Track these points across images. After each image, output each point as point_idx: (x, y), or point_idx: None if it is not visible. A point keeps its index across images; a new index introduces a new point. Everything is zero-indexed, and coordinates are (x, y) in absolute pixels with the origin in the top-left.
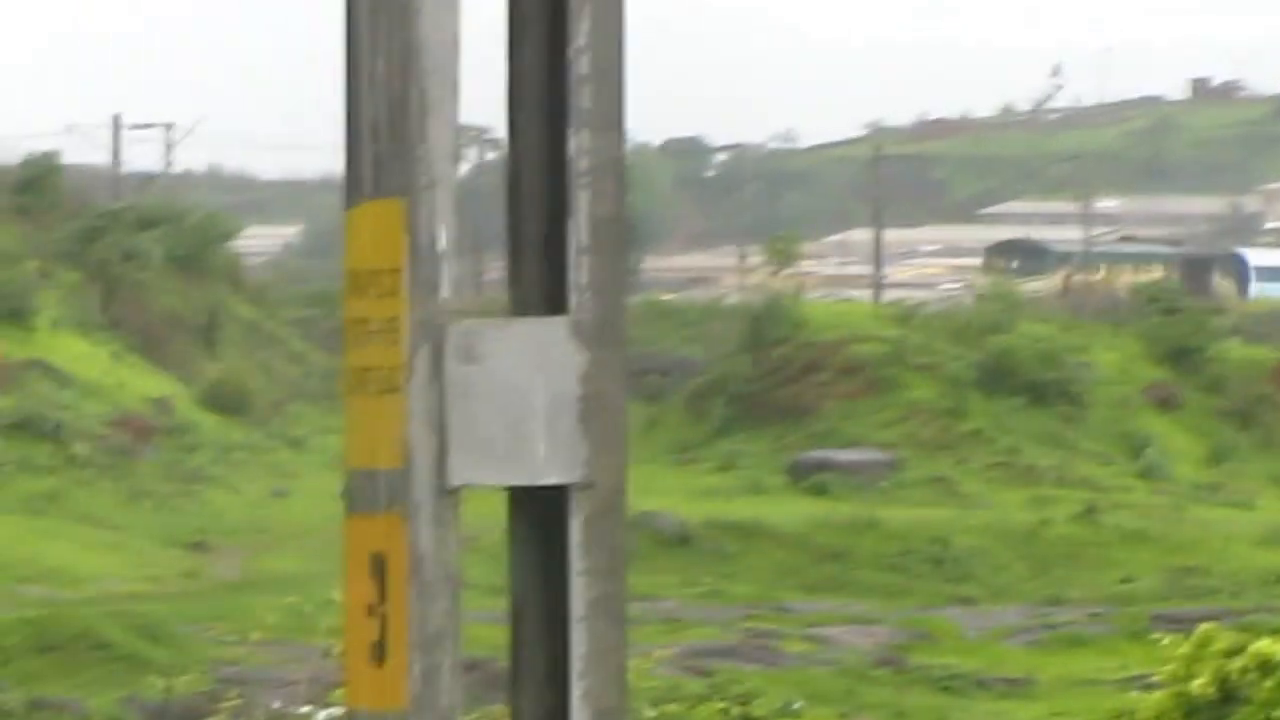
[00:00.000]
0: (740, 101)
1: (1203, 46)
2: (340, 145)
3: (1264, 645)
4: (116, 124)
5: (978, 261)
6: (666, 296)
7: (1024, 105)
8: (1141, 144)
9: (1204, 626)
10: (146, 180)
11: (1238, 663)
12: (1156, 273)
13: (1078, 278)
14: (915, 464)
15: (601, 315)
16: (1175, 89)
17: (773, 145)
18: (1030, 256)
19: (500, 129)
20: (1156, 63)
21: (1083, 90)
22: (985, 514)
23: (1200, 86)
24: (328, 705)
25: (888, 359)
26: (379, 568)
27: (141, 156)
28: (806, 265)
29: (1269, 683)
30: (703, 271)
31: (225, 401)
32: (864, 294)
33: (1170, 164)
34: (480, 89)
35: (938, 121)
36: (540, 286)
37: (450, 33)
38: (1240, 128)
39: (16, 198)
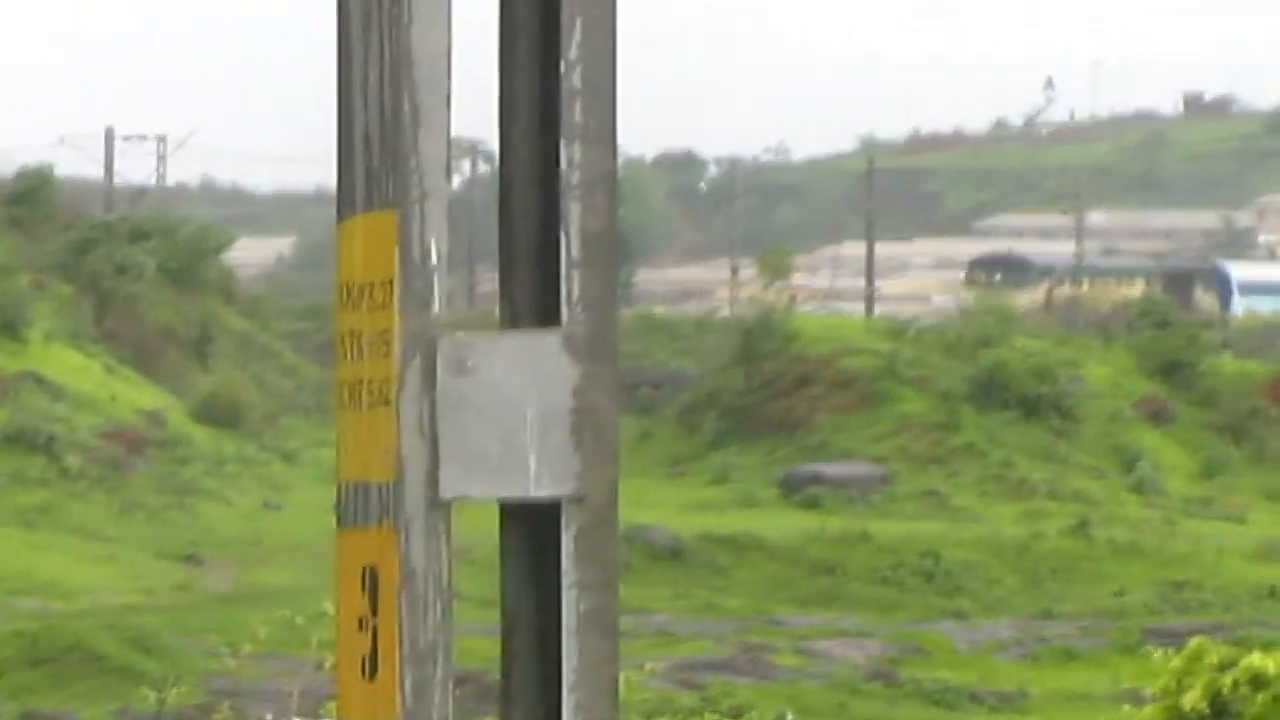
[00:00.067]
0: (733, 115)
1: (1197, 61)
2: (333, 158)
3: (1256, 660)
4: (109, 136)
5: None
6: (659, 310)
7: (1017, 120)
8: (1134, 158)
9: (1196, 641)
10: (139, 192)
11: (1229, 677)
12: (1139, 287)
13: (1060, 291)
14: (907, 477)
15: (593, 328)
16: (1169, 103)
17: (765, 159)
18: (1013, 270)
19: (492, 142)
20: (1150, 77)
21: (1076, 104)
22: (977, 527)
23: (1194, 101)
24: (320, 718)
25: (880, 373)
26: (371, 581)
27: (135, 168)
28: (799, 279)
29: (1261, 697)
30: (695, 285)
31: (218, 414)
32: (856, 308)
33: (1163, 178)
34: (473, 102)
35: (931, 135)
36: (532, 299)
37: (442, 46)
38: (1233, 142)
39: (10, 210)
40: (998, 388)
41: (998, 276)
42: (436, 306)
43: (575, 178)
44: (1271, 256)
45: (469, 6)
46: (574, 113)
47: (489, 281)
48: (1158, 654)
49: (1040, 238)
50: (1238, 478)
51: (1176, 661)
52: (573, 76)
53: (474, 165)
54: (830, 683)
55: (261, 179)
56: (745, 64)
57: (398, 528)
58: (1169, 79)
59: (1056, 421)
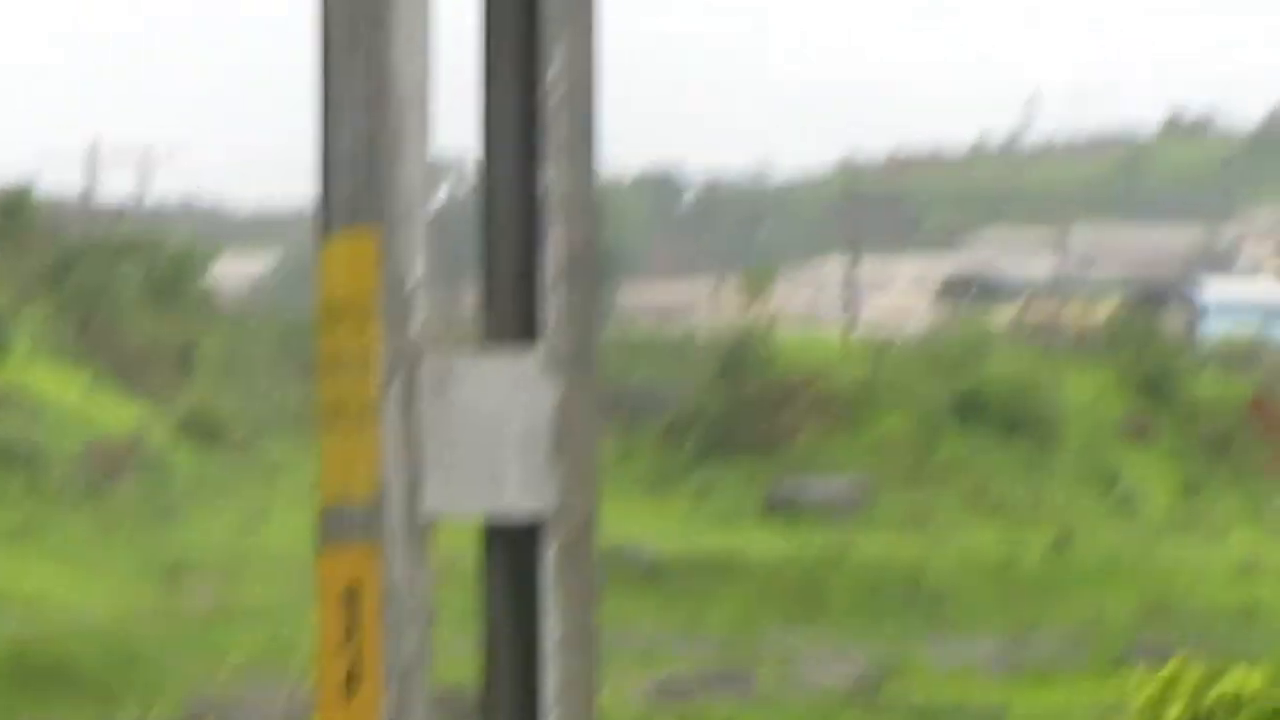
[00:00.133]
0: (714, 135)
1: (1178, 81)
2: (315, 176)
3: (1236, 678)
4: (93, 151)
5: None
6: (640, 328)
7: (998, 139)
8: (1116, 178)
9: (1176, 659)
10: (122, 208)
11: (1210, 696)
12: (1111, 305)
13: (1031, 309)
14: (888, 496)
15: (574, 346)
16: (1150, 123)
17: (746, 178)
18: (984, 289)
19: (474, 160)
20: (1131, 97)
21: (1057, 124)
22: (958, 545)
23: (1175, 120)
24: None
25: (861, 391)
26: (352, 599)
27: (118, 184)
28: (780, 297)
29: (1241, 717)
30: (676, 303)
31: (201, 431)
32: (838, 326)
33: (1144, 198)
34: (454, 120)
35: (911, 154)
36: (513, 318)
37: (423, 65)
38: (1215, 162)
39: None
40: (978, 406)
41: (969, 295)
42: (418, 325)
43: (556, 196)
44: (1254, 274)
45: (449, 26)
46: (555, 131)
47: (470, 300)
48: (1138, 672)
49: (1021, 257)
50: (1219, 497)
51: (1157, 680)
52: (554, 95)
53: (455, 183)
54: (812, 700)
55: (246, 195)
56: (726, 83)
57: (379, 546)
58: (1150, 99)
59: (1037, 440)
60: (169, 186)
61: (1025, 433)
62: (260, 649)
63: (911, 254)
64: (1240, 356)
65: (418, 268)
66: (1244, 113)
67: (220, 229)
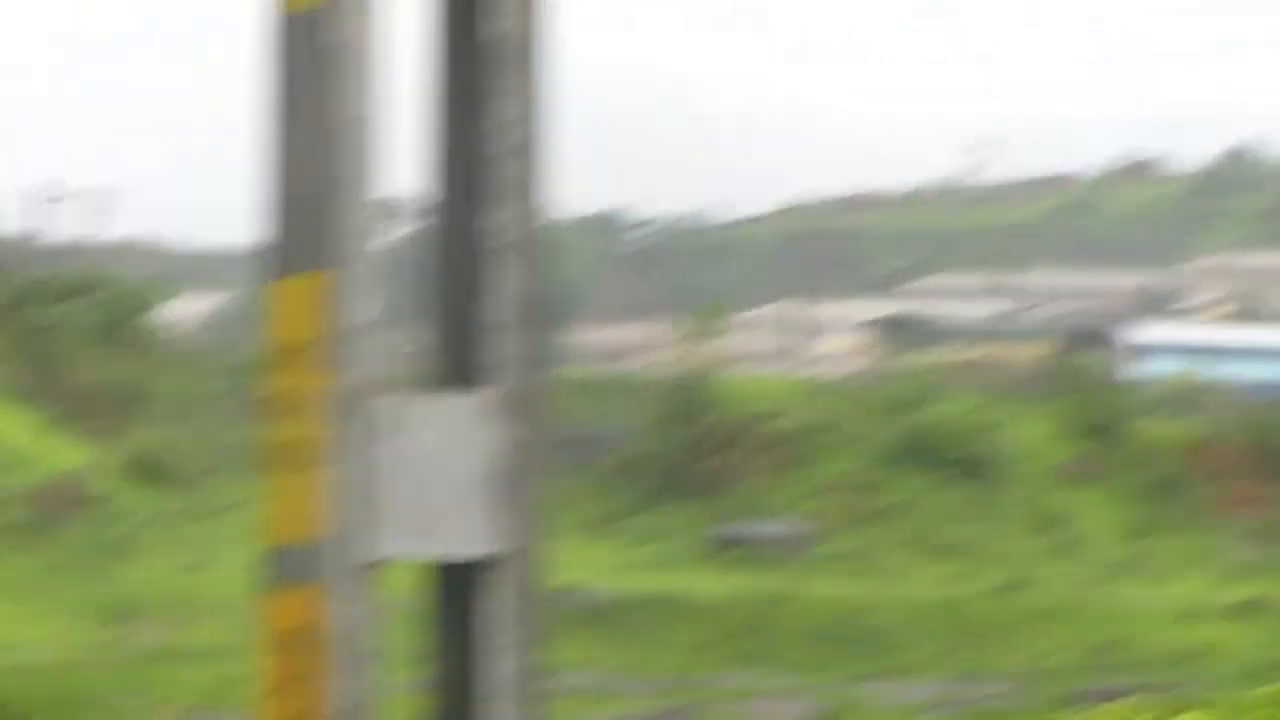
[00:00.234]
0: (663, 175)
1: (1124, 123)
2: (263, 219)
3: (1192, 718)
4: (44, 191)
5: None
6: (587, 369)
7: (946, 180)
8: (1062, 219)
9: (1128, 701)
10: (72, 247)
11: None
12: (1045, 347)
13: (970, 351)
14: (835, 537)
15: (522, 389)
16: (1096, 165)
17: (695, 219)
18: (918, 331)
19: (423, 202)
20: (1078, 138)
21: (1007, 165)
22: (904, 588)
23: (1121, 162)
24: None
25: (808, 432)
26: (298, 641)
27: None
28: (728, 339)
29: None
30: (624, 344)
31: (149, 471)
32: (785, 368)
33: (1090, 239)
34: (403, 163)
35: (860, 196)
36: (462, 360)
37: (370, 110)
38: (1160, 204)
39: None
40: (924, 448)
41: (908, 337)
42: (365, 367)
43: (504, 239)
44: (1199, 316)
45: (396, 70)
46: (503, 174)
47: (418, 342)
48: (1084, 716)
49: (966, 298)
50: (1164, 539)
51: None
52: (502, 139)
53: (403, 225)
54: None
55: (196, 235)
56: (676, 125)
57: (326, 588)
58: (1097, 140)
59: (983, 482)
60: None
61: (971, 475)
62: (207, 689)
63: (858, 295)
64: (1183, 398)
65: (365, 311)
66: (1193, 154)
67: (169, 269)
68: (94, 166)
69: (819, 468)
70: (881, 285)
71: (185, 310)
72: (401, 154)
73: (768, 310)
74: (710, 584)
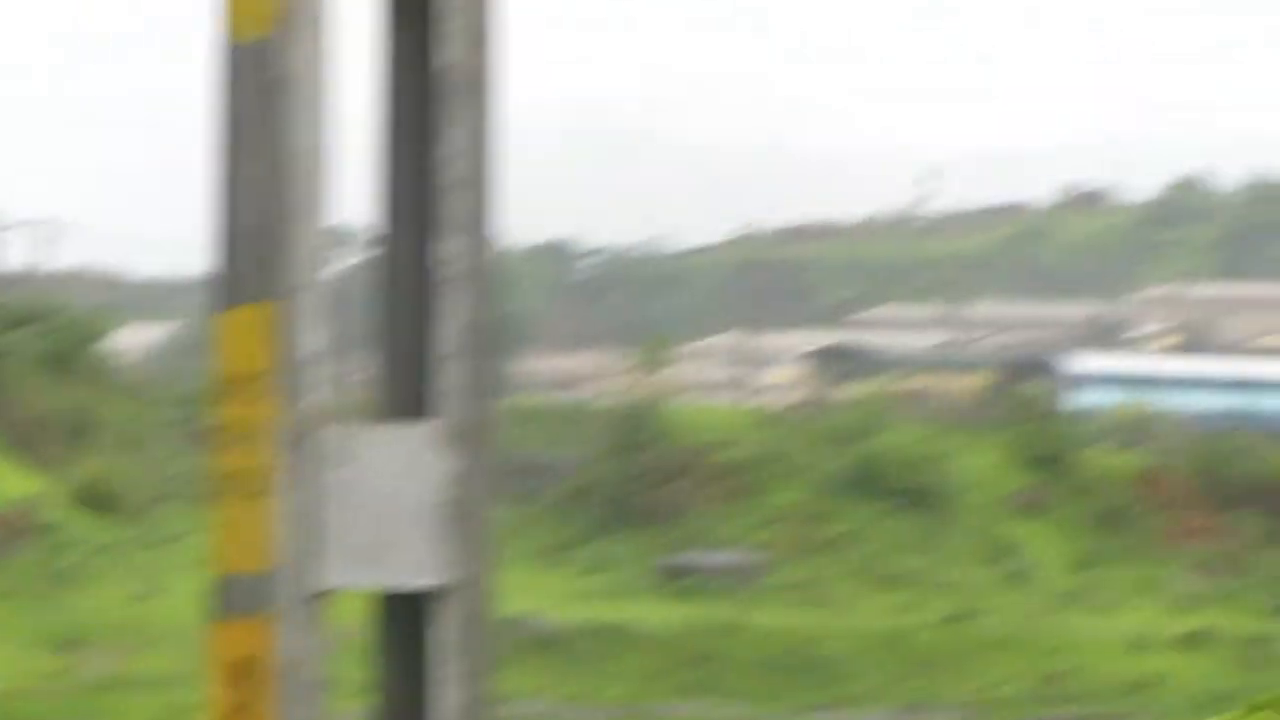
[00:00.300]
0: (612, 205)
1: (1073, 153)
2: (213, 250)
3: None
4: None
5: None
6: (537, 398)
7: (895, 211)
8: (1011, 249)
9: None
10: (22, 276)
11: None
12: (985, 378)
13: (910, 381)
14: (784, 567)
15: (471, 419)
16: (1046, 195)
17: (644, 248)
18: (856, 362)
19: (372, 232)
20: (1028, 168)
21: (954, 195)
22: (853, 618)
23: (1070, 192)
24: None
25: (757, 462)
26: (246, 671)
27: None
28: (677, 368)
29: None
30: (574, 373)
31: (97, 501)
32: (733, 398)
33: (1040, 270)
34: (352, 193)
35: (808, 226)
36: (411, 390)
37: (319, 140)
38: (1110, 234)
39: None
40: (872, 478)
41: (842, 368)
42: (314, 397)
43: (451, 270)
44: (1144, 347)
45: (346, 100)
46: (452, 205)
47: (367, 372)
48: None
49: (913, 329)
50: (1112, 569)
51: None
52: (451, 169)
53: (352, 255)
54: None
55: (144, 265)
56: (624, 154)
57: (274, 618)
58: (1046, 170)
59: (930, 512)
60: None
61: (919, 505)
62: (156, 717)
63: (807, 326)
64: (1129, 429)
65: (314, 341)
66: (1143, 184)
67: (118, 298)
68: (41, 196)
69: (768, 498)
70: (830, 316)
71: (134, 340)
72: (351, 184)
73: (717, 340)
74: (659, 613)
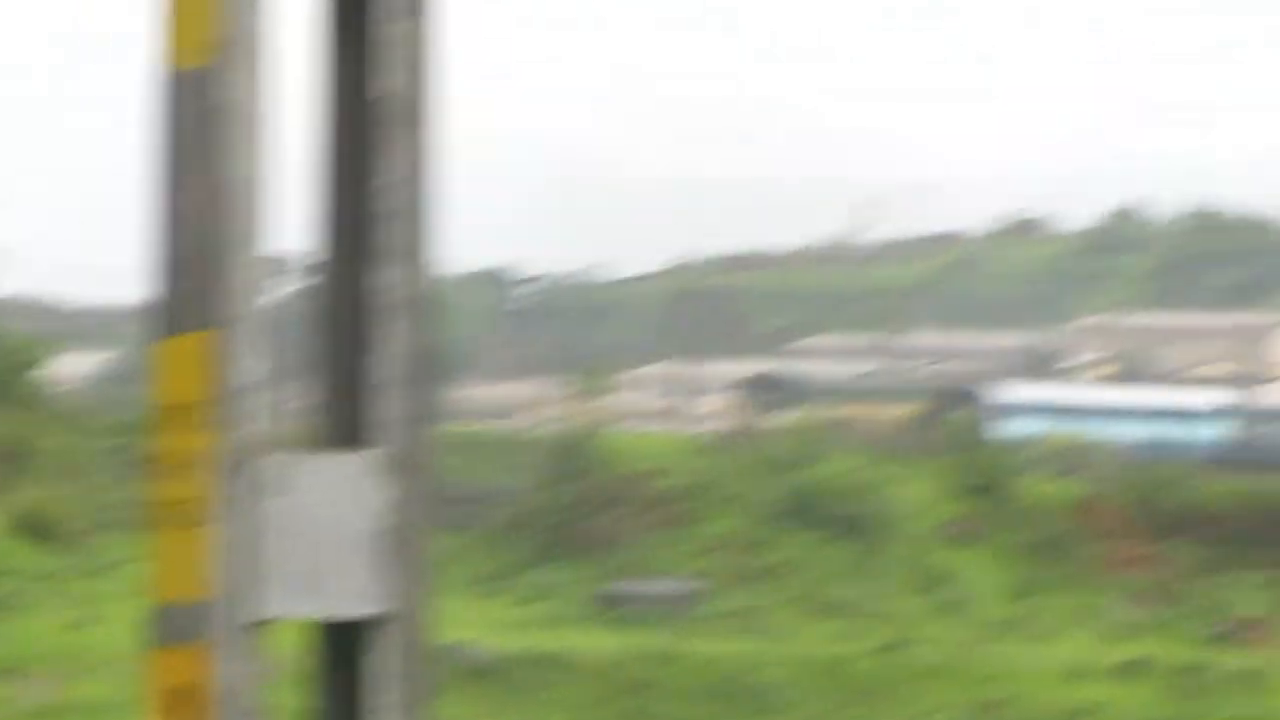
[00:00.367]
0: (548, 233)
1: (1009, 182)
2: (151, 278)
3: None
4: None
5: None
6: (475, 427)
7: (831, 239)
8: (948, 278)
9: None
10: None
11: None
12: (914, 406)
13: (838, 410)
14: (721, 596)
15: (407, 448)
16: (983, 223)
17: (581, 277)
18: (784, 390)
19: (311, 261)
20: (963, 197)
21: (892, 224)
22: (789, 647)
23: (1007, 221)
24: None
25: (694, 491)
26: (185, 699)
27: None
28: (613, 397)
29: None
30: (511, 402)
31: (34, 529)
32: (670, 426)
33: (976, 299)
34: (290, 221)
35: (745, 255)
36: (348, 419)
37: (257, 169)
38: (1046, 263)
39: None
40: (808, 507)
41: (769, 396)
42: (253, 426)
43: (390, 298)
44: (1080, 377)
45: (285, 128)
46: (389, 234)
47: (306, 400)
48: None
49: (848, 358)
50: (1048, 598)
51: None
52: (387, 198)
53: (290, 284)
54: None
55: (82, 293)
56: (561, 183)
57: (212, 647)
58: (982, 199)
59: (866, 540)
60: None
61: (855, 534)
62: None
63: (742, 355)
64: (1063, 458)
65: (252, 370)
66: (1078, 215)
67: (55, 326)
68: None
69: (705, 526)
70: (766, 345)
71: (72, 368)
72: (290, 212)
73: (654, 369)
74: (597, 642)
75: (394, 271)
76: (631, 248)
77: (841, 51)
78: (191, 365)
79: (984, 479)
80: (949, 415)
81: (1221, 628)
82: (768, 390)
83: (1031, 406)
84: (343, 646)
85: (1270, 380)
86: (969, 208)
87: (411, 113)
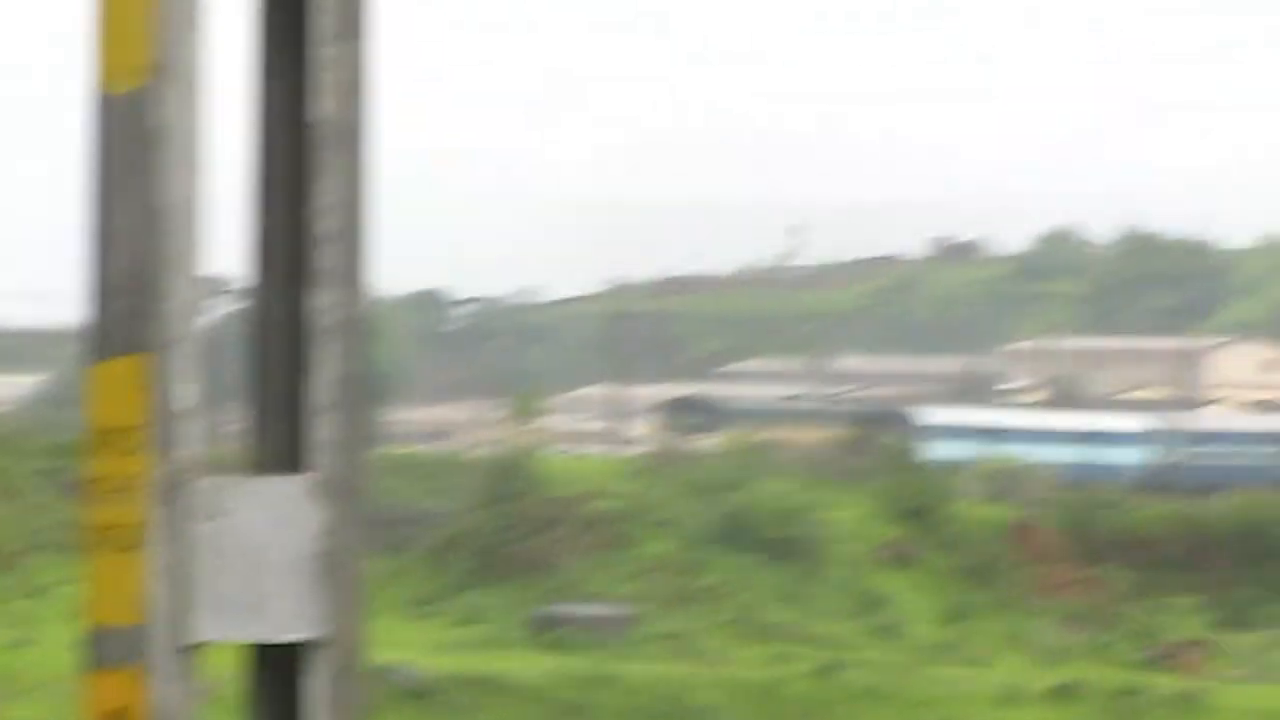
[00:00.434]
0: (482, 255)
1: (944, 205)
2: (86, 301)
3: None
4: None
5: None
6: (408, 449)
7: (765, 263)
8: (882, 302)
9: None
10: None
11: None
12: (838, 429)
13: (760, 434)
14: (654, 619)
15: (342, 471)
16: (916, 247)
17: (515, 299)
18: (704, 414)
19: (246, 284)
20: (898, 221)
21: (824, 248)
22: (723, 670)
23: (941, 245)
24: None
25: (627, 514)
26: None
27: None
28: (548, 420)
29: None
30: (445, 424)
31: None
32: (604, 449)
33: (910, 323)
34: (225, 244)
35: (680, 278)
36: (283, 443)
37: (193, 192)
38: (980, 286)
39: None
40: (743, 530)
41: (691, 420)
42: (187, 450)
43: (325, 321)
44: (1013, 401)
45: (221, 151)
46: (324, 257)
47: (240, 424)
48: None
49: (779, 382)
50: (981, 622)
51: None
52: (323, 222)
53: (225, 306)
54: None
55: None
56: (495, 204)
57: (145, 671)
58: (917, 223)
59: (801, 564)
60: None
61: (789, 556)
62: None
63: (675, 378)
64: (995, 482)
65: (188, 393)
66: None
67: None
68: None
69: (639, 549)
70: (699, 368)
71: (6, 390)
72: (225, 236)
73: (588, 391)
74: (532, 664)
75: (330, 294)
76: (566, 269)
77: (774, 56)
78: (127, 388)
79: (916, 502)
80: (879, 438)
81: (1154, 651)
82: (692, 413)
83: (961, 430)
84: (278, 670)
85: (1206, 403)
86: (905, 230)
87: (348, 136)
